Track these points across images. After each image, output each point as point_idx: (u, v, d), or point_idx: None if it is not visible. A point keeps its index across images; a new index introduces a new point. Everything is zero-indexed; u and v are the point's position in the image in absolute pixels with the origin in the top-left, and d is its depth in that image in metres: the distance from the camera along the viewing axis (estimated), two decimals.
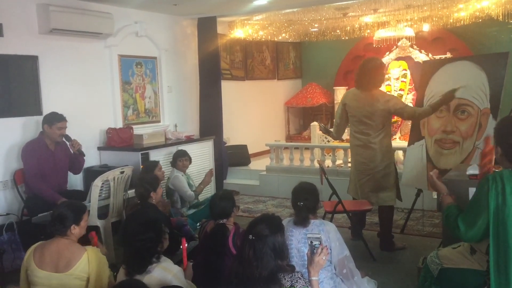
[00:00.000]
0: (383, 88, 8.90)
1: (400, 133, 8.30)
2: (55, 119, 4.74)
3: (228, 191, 3.81)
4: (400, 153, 6.60)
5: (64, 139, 4.88)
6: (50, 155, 4.77)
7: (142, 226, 2.83)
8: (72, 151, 4.98)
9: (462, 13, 7.33)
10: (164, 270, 2.74)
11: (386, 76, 8.88)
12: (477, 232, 2.43)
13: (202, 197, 5.53)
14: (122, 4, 6.01)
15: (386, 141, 4.62)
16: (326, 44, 9.87)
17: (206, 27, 7.23)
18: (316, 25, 8.51)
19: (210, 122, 7.29)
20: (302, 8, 7.20)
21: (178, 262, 3.07)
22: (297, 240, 2.98)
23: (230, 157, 7.81)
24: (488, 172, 2.79)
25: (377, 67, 4.64)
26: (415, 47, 8.65)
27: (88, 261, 2.72)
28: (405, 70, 8.68)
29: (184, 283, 2.81)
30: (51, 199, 4.45)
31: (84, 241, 3.04)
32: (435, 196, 4.83)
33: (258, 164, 8.04)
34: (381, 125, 4.53)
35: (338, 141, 8.04)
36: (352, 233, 4.96)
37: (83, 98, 5.72)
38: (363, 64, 4.66)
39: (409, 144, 5.23)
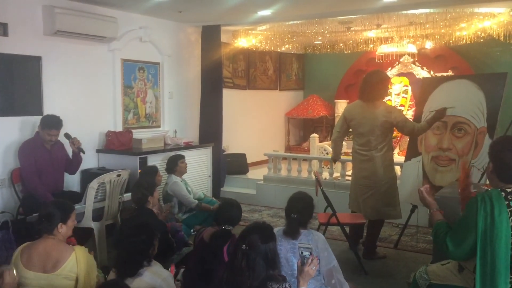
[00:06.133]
0: None
1: (399, 149, 8.31)
2: (47, 125, 4.74)
3: (236, 201, 3.75)
4: (398, 169, 6.59)
5: (65, 138, 4.90)
6: (47, 154, 4.79)
7: (134, 229, 2.86)
8: (72, 149, 5.00)
9: (464, 32, 7.38)
10: (154, 274, 2.75)
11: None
12: (464, 251, 2.43)
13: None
14: (127, 9, 6.07)
15: (389, 155, 4.67)
16: (329, 57, 9.93)
17: (210, 35, 7.28)
18: (319, 38, 8.56)
19: (210, 130, 7.32)
20: (306, 20, 7.26)
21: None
22: (286, 250, 2.99)
23: (228, 165, 7.82)
24: (467, 198, 2.78)
25: (382, 80, 4.69)
26: (417, 63, 8.70)
27: (77, 260, 2.71)
28: (406, 86, 8.73)
29: None
30: (43, 198, 4.46)
31: (80, 240, 3.04)
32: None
33: (256, 173, 8.03)
34: (383, 137, 4.57)
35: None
36: (350, 246, 4.90)
37: (84, 100, 5.76)
38: (368, 76, 4.72)
39: (406, 160, 5.26)
